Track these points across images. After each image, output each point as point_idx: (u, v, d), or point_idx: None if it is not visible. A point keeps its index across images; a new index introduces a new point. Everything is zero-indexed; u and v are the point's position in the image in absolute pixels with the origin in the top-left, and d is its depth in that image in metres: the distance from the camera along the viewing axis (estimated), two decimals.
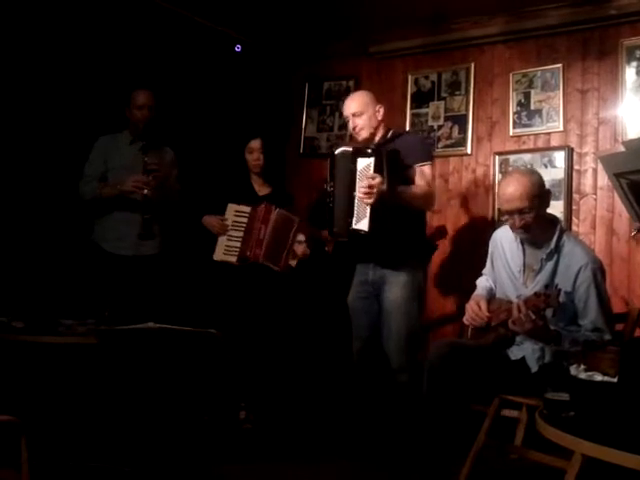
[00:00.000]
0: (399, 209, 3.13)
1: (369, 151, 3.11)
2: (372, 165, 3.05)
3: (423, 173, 3.24)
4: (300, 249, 3.82)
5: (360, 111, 3.31)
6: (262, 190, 3.97)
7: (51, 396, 3.24)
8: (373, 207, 3.02)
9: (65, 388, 3.29)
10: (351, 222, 3.11)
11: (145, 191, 3.54)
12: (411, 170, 3.22)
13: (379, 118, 3.35)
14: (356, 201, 3.09)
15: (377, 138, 3.35)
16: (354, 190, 3.09)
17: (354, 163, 3.12)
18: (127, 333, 2.51)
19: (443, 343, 2.93)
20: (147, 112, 3.70)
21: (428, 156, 3.33)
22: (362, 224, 3.07)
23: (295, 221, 3.85)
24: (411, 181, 3.21)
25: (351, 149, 3.20)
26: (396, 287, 3.21)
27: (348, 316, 3.45)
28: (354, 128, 3.33)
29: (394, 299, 3.21)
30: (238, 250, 3.77)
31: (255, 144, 3.91)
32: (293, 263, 3.83)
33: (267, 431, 3.70)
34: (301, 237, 3.84)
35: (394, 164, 3.12)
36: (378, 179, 3.00)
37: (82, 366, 3.26)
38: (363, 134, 3.32)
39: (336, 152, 3.28)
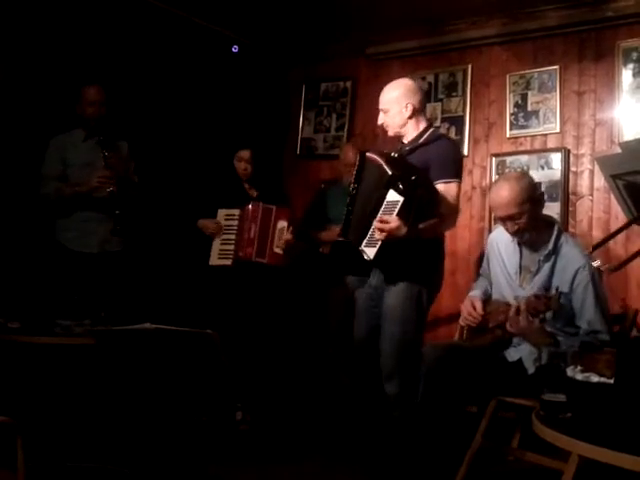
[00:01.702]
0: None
1: (402, 188, 2.73)
2: (399, 206, 2.73)
3: (449, 191, 2.92)
4: (282, 236, 3.82)
5: (386, 108, 3.02)
6: (254, 192, 3.98)
7: (47, 397, 3.23)
8: (384, 242, 2.78)
9: (61, 389, 3.28)
10: (362, 241, 2.90)
11: (110, 187, 3.54)
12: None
13: (406, 116, 3.00)
14: (373, 226, 2.83)
15: (407, 138, 3.05)
16: (375, 216, 2.82)
17: (386, 189, 2.80)
18: (124, 334, 2.51)
19: (439, 345, 2.93)
20: (98, 108, 3.67)
21: (458, 173, 3.01)
22: (370, 251, 2.86)
23: (272, 210, 3.85)
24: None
25: (390, 172, 2.79)
26: (394, 294, 3.05)
27: (343, 317, 3.40)
28: (381, 125, 3.08)
29: (391, 304, 3.06)
30: (232, 253, 3.78)
31: (244, 154, 3.90)
32: (279, 250, 3.83)
33: (264, 432, 3.70)
34: (282, 224, 3.84)
35: (424, 207, 2.79)
36: (394, 224, 2.73)
37: (78, 366, 3.26)
38: (389, 133, 3.08)
39: (374, 158, 2.92)
